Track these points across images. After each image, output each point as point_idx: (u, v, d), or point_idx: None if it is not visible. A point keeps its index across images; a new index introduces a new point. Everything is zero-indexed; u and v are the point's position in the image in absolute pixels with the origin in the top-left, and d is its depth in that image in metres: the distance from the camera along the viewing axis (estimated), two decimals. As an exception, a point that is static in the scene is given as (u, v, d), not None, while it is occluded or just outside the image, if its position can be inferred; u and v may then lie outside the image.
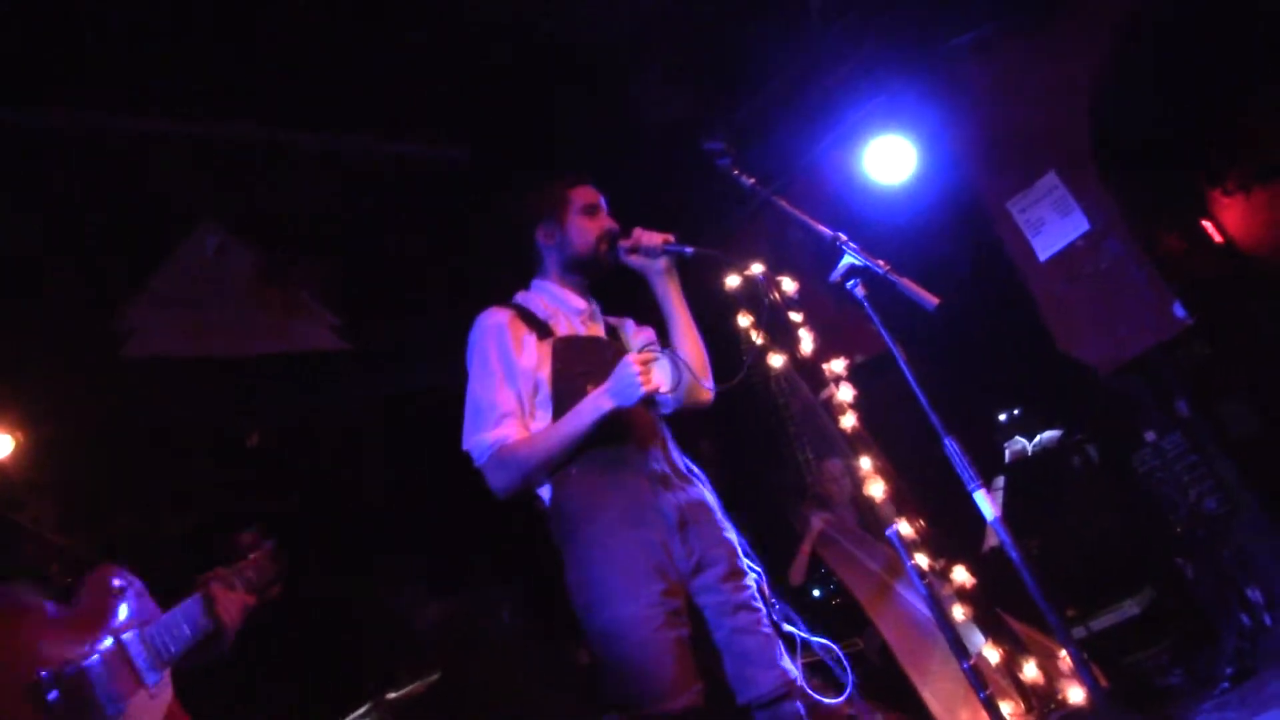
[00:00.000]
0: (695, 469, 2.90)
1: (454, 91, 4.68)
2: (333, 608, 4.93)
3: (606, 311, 3.09)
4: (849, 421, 4.24)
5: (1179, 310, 4.50)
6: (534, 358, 2.74)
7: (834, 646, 2.94)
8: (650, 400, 2.78)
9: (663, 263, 2.92)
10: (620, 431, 2.68)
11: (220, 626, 2.64)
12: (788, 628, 2.81)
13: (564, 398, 2.70)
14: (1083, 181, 4.76)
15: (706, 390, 2.92)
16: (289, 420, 5.00)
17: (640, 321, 3.12)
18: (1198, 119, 5.61)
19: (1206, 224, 6.02)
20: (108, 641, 2.48)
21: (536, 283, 3.01)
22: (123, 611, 2.63)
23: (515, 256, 3.08)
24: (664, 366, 2.69)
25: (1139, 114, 5.14)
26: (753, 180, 3.05)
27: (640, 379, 2.54)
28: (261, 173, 4.42)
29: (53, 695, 2.24)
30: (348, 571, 4.92)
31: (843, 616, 5.00)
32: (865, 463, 4.15)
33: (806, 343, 4.40)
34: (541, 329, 2.81)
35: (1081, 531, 4.98)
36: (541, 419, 2.72)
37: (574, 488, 2.66)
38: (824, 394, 4.38)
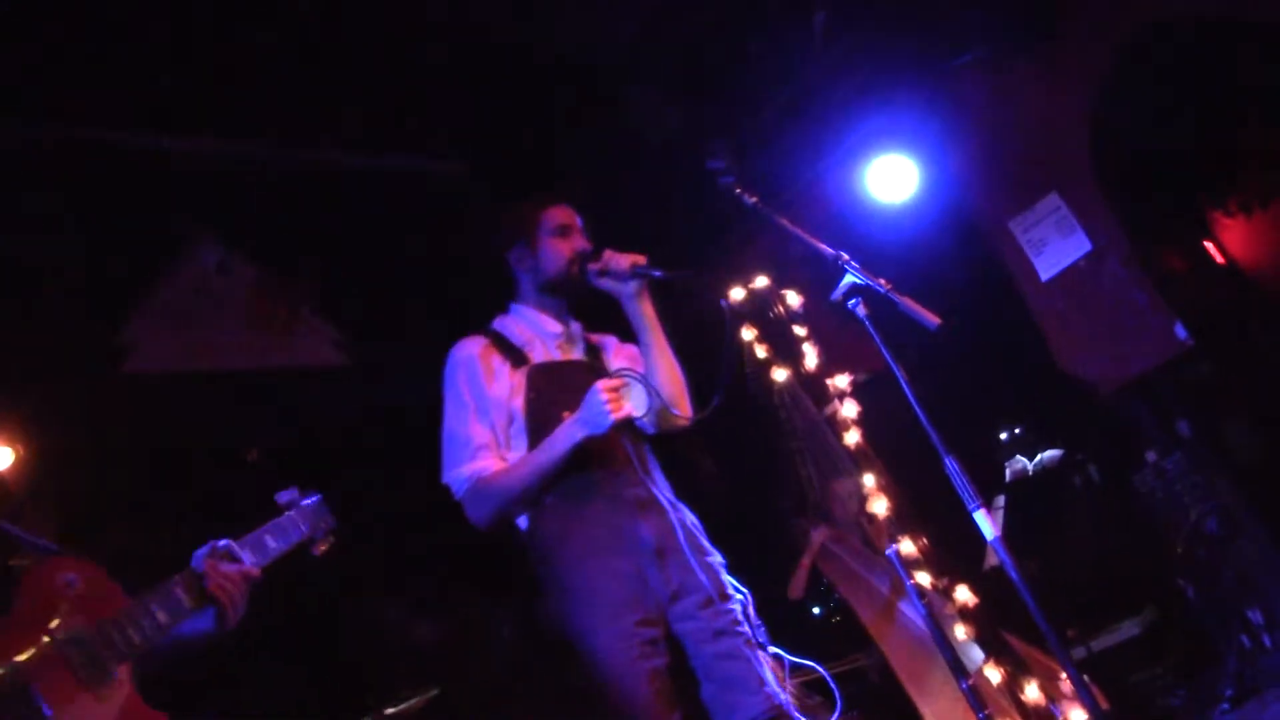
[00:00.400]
0: (675, 499, 2.83)
1: (455, 106, 4.70)
2: (332, 622, 4.92)
3: (590, 329, 3.04)
4: (853, 438, 4.22)
5: (1180, 331, 4.50)
6: (507, 387, 2.71)
7: (818, 668, 2.92)
8: (629, 424, 2.73)
9: (633, 286, 2.80)
10: (597, 459, 2.65)
11: (215, 605, 2.52)
12: (774, 649, 2.78)
13: (539, 427, 2.66)
14: (1085, 202, 4.77)
15: (683, 411, 2.86)
16: (289, 435, 5.00)
17: (624, 338, 3.06)
18: (1199, 140, 5.62)
19: (1208, 245, 6.03)
20: (43, 645, 2.40)
21: (514, 306, 2.96)
22: (64, 611, 2.55)
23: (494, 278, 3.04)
24: (635, 391, 2.67)
25: (1141, 135, 5.16)
26: (755, 199, 3.05)
27: (609, 406, 2.50)
28: (263, 187, 4.43)
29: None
30: (347, 586, 4.91)
31: (843, 634, 4.99)
32: (869, 480, 4.14)
33: (811, 358, 4.39)
34: (516, 356, 2.77)
35: (1082, 551, 4.97)
36: (518, 449, 2.69)
37: (549, 517, 2.64)
38: (828, 410, 4.37)
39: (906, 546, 3.97)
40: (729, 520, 6.10)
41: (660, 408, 2.78)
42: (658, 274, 2.76)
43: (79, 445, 4.32)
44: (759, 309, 4.50)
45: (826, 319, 4.72)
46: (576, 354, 2.92)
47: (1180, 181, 5.88)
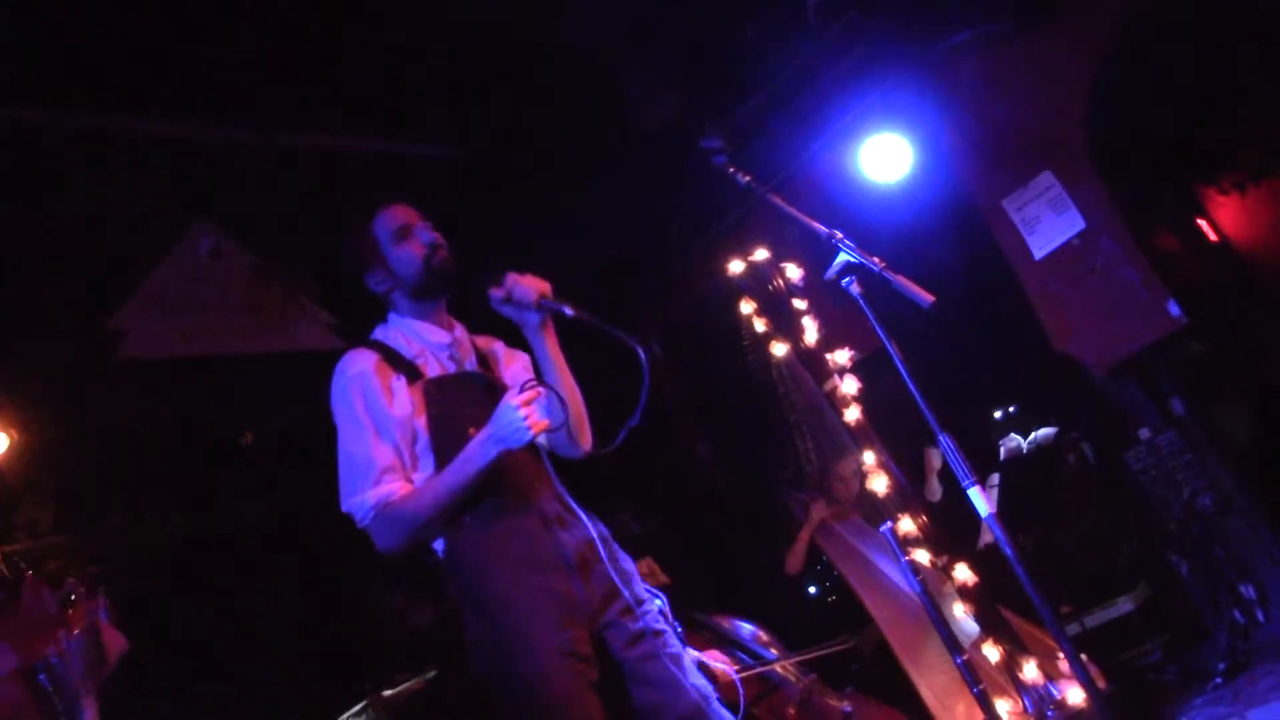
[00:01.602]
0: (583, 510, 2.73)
1: (450, 92, 4.68)
2: (329, 605, 4.94)
3: (472, 330, 2.91)
4: (853, 415, 4.22)
5: (1174, 309, 4.51)
6: (407, 404, 2.55)
7: (727, 669, 2.94)
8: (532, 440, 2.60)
9: (537, 318, 2.67)
10: (509, 475, 2.54)
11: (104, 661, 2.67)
12: (688, 648, 2.77)
13: (445, 443, 2.53)
14: (1078, 180, 4.77)
15: (584, 441, 2.77)
16: (284, 419, 5.00)
17: (509, 343, 2.93)
18: (1193, 118, 5.62)
19: (1202, 223, 6.05)
20: (58, 645, 2.54)
21: (392, 316, 2.78)
22: (60, 620, 2.71)
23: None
24: (548, 402, 2.58)
25: (1135, 113, 5.15)
26: (749, 178, 3.05)
27: (527, 420, 2.38)
28: (257, 172, 4.42)
29: (42, 677, 2.33)
30: (344, 569, 4.93)
31: (839, 611, 5.01)
32: (869, 457, 4.15)
33: (810, 332, 4.39)
34: (410, 371, 2.61)
35: (1076, 529, 5.00)
36: (425, 467, 2.55)
37: (469, 538, 2.52)
38: (827, 385, 4.37)
39: (905, 524, 3.98)
40: (725, 501, 6.15)
41: (561, 431, 2.69)
42: (567, 312, 2.60)
43: (74, 431, 4.32)
44: (759, 281, 4.50)
45: (823, 297, 4.73)
46: (469, 364, 2.77)
47: (1174, 159, 5.89)
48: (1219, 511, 4.47)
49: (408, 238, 2.72)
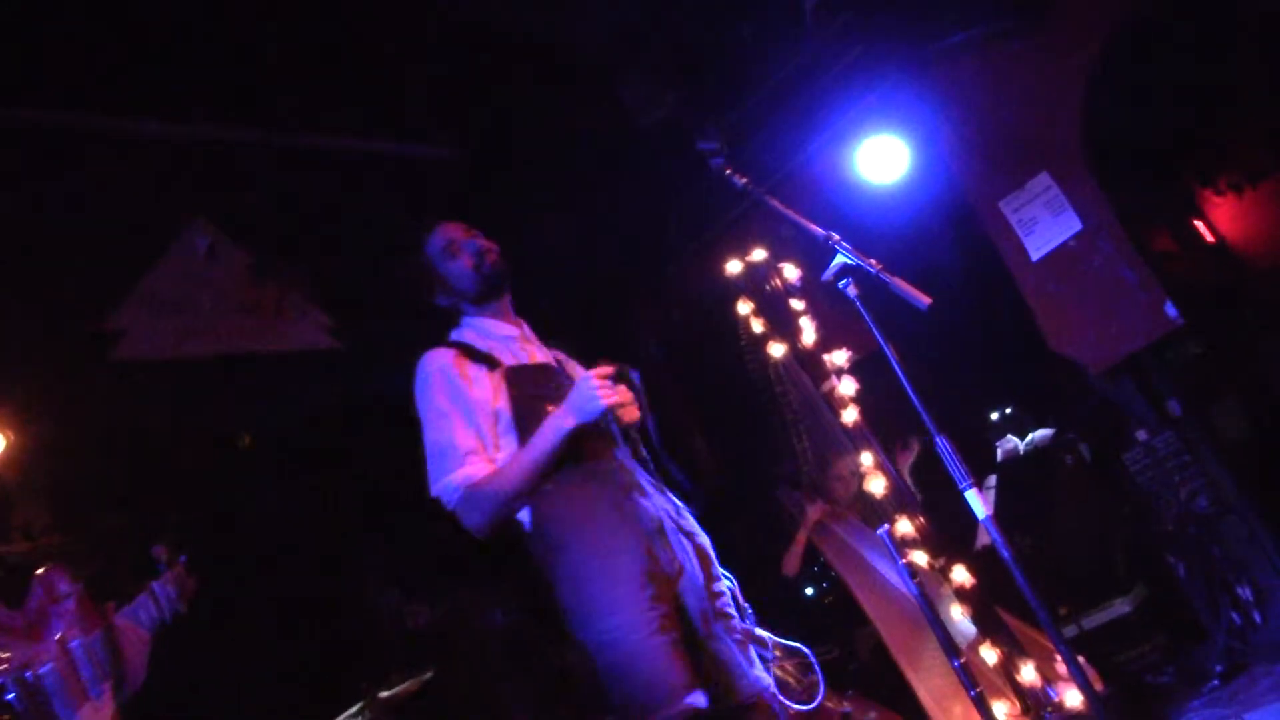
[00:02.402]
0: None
1: (446, 92, 4.68)
2: (326, 606, 4.93)
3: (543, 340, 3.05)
4: (850, 415, 4.22)
5: (1170, 310, 4.51)
6: (487, 389, 2.70)
7: (806, 651, 2.92)
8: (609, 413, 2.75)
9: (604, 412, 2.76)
10: (587, 446, 2.66)
11: (122, 664, 2.65)
12: (760, 632, 2.79)
13: (526, 422, 2.66)
14: (1075, 181, 4.77)
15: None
16: (281, 420, 5.00)
17: (569, 353, 3.07)
18: (1190, 120, 5.63)
19: (1198, 224, 6.05)
20: (57, 649, 2.50)
21: (465, 320, 2.95)
22: (68, 618, 2.65)
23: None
24: (624, 384, 2.72)
25: (1132, 115, 5.16)
26: (745, 180, 3.05)
27: (599, 391, 2.55)
28: (252, 172, 4.42)
29: (10, 696, 2.28)
30: (341, 570, 4.92)
31: (836, 612, 5.00)
32: (866, 458, 4.14)
33: (808, 332, 4.38)
34: (489, 361, 2.77)
35: (1073, 530, 4.99)
36: (507, 447, 2.68)
37: (553, 506, 2.63)
38: (825, 386, 4.36)
39: (903, 526, 3.98)
40: (722, 500, 6.14)
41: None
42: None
43: (70, 432, 4.31)
44: (756, 282, 4.49)
45: (820, 298, 4.73)
46: (541, 356, 2.91)
47: (1170, 161, 5.89)
48: (1216, 512, 4.47)
49: (456, 253, 2.90)
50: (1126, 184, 4.93)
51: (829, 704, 4.12)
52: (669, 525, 2.67)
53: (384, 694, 3.85)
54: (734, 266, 4.55)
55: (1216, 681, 4.14)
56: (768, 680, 2.64)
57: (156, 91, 3.96)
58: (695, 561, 2.67)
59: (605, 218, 5.47)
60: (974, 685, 3.49)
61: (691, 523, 2.79)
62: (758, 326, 4.52)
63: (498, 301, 2.93)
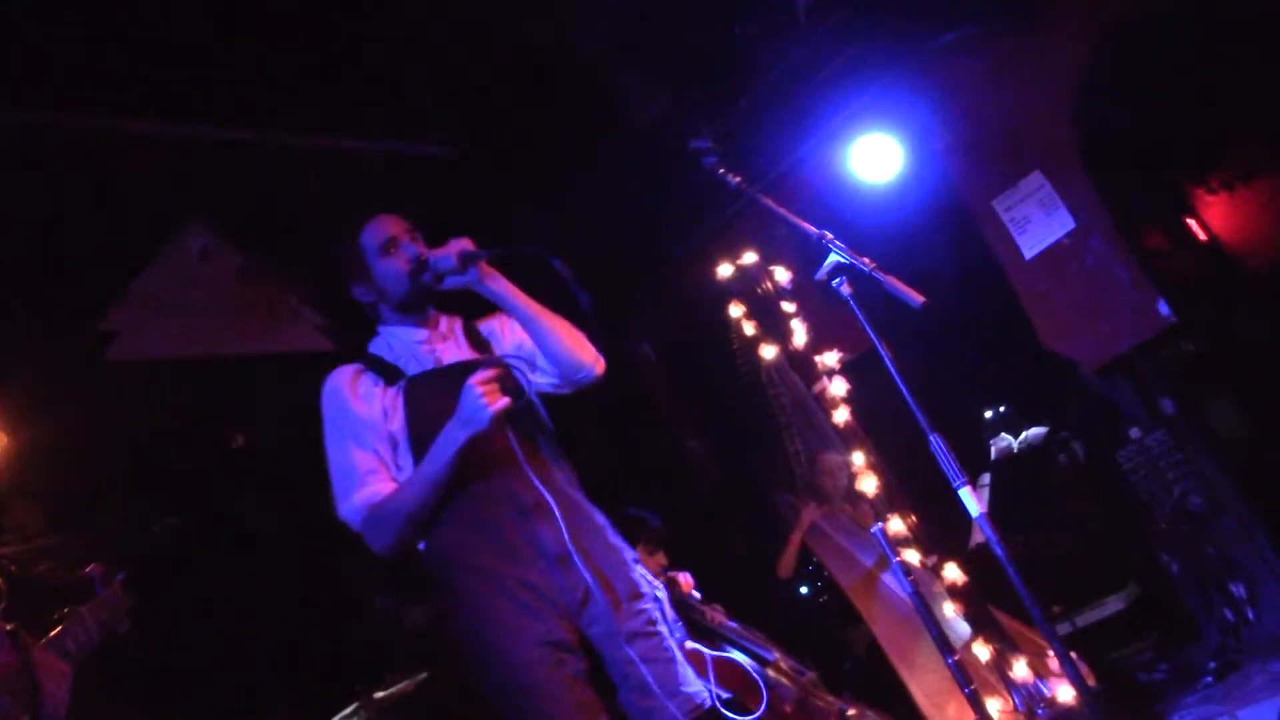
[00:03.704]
0: (579, 494, 2.70)
1: (441, 91, 4.68)
2: (320, 607, 4.93)
3: (476, 316, 2.90)
4: (841, 416, 4.23)
5: (1163, 308, 4.52)
6: (380, 410, 2.58)
7: (741, 662, 2.90)
8: (518, 419, 2.62)
9: (474, 273, 2.63)
10: (484, 465, 2.52)
11: (40, 699, 2.63)
12: (691, 645, 2.72)
13: (424, 443, 2.52)
14: (1068, 180, 4.78)
15: (591, 360, 2.74)
16: (275, 421, 4.99)
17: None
18: (1182, 118, 5.64)
19: (1190, 222, 6.06)
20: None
21: (381, 329, 2.81)
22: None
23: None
24: (510, 374, 2.62)
25: (1124, 113, 5.17)
26: (739, 179, 3.04)
27: (485, 400, 2.38)
28: (247, 173, 4.41)
29: None
30: (335, 570, 4.92)
31: (831, 612, 5.01)
32: (858, 458, 4.15)
33: (799, 334, 4.40)
34: (391, 374, 2.64)
35: (1067, 528, 5.01)
36: (405, 468, 2.57)
37: (443, 537, 2.53)
38: (816, 387, 4.38)
39: (895, 525, 3.99)
40: (717, 500, 6.15)
41: (565, 364, 2.70)
42: (483, 254, 2.62)
43: (65, 433, 4.30)
44: (748, 285, 4.51)
45: (813, 298, 4.74)
46: (452, 354, 2.76)
47: (1163, 159, 5.90)
48: (1209, 510, 4.48)
49: (393, 252, 2.71)
50: (1119, 182, 4.94)
51: (824, 701, 4.13)
52: (575, 547, 2.49)
53: (379, 695, 3.85)
54: (725, 270, 4.57)
55: (1210, 679, 4.16)
56: (705, 694, 2.51)
57: (153, 91, 3.95)
58: (612, 580, 2.53)
59: (599, 218, 5.47)
60: (968, 683, 3.50)
61: (606, 539, 2.62)
62: (749, 329, 4.54)
63: (417, 312, 2.78)
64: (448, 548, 2.53)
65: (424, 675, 4.04)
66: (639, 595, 2.56)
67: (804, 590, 5.28)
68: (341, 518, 2.55)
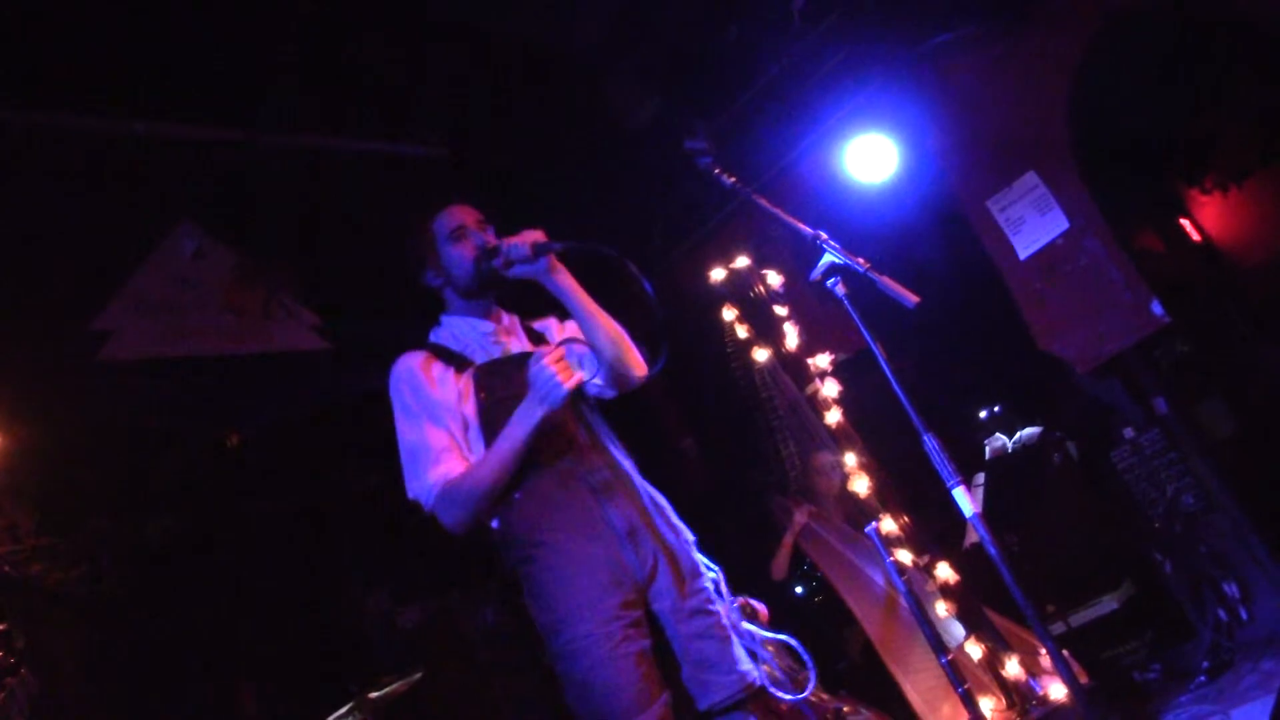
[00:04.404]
0: (640, 476, 2.81)
1: (433, 91, 4.67)
2: (315, 606, 4.93)
3: (529, 317, 3.01)
4: (834, 417, 4.24)
5: (1157, 308, 4.53)
6: (455, 393, 2.68)
7: (793, 641, 2.91)
8: (582, 402, 2.76)
9: (543, 264, 2.72)
10: (557, 446, 2.64)
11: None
12: (745, 625, 2.78)
13: (495, 426, 2.61)
14: (1062, 180, 4.78)
15: (636, 365, 2.83)
16: (269, 420, 4.98)
17: (563, 317, 2.99)
18: (1176, 119, 5.65)
19: (1184, 223, 6.07)
20: None
21: (444, 318, 2.91)
22: None
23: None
24: (582, 358, 2.72)
25: (1118, 114, 5.18)
26: (734, 179, 3.05)
27: (559, 376, 2.49)
28: (240, 172, 4.41)
29: None
30: (330, 570, 4.91)
31: (825, 613, 5.01)
32: (850, 459, 4.16)
33: (791, 337, 4.40)
34: (459, 362, 2.74)
35: (1060, 528, 5.01)
36: (479, 451, 2.66)
37: (520, 512, 2.61)
38: (809, 389, 4.39)
39: (888, 524, 4.00)
40: (710, 500, 6.15)
41: (615, 361, 2.77)
42: (557, 246, 2.70)
43: (57, 433, 4.29)
44: (740, 288, 4.52)
45: (807, 299, 4.75)
46: (517, 346, 2.87)
47: (1157, 160, 5.91)
48: (1202, 510, 4.49)
49: (463, 239, 2.82)
50: (1113, 183, 4.95)
51: (820, 699, 4.13)
52: (642, 524, 2.64)
53: (374, 694, 3.84)
54: (718, 274, 4.57)
55: (1203, 678, 4.16)
56: (756, 674, 2.63)
57: (146, 91, 3.95)
58: (674, 557, 2.66)
59: (592, 218, 5.46)
60: (962, 682, 3.51)
61: (668, 518, 2.76)
62: (742, 332, 4.55)
63: (483, 301, 2.88)
64: (522, 524, 2.60)
65: (418, 675, 4.04)
66: (698, 574, 2.69)
67: (798, 591, 5.28)
68: (413, 496, 2.63)
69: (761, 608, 4.42)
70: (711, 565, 2.78)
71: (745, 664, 2.62)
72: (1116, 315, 4.64)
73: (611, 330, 2.81)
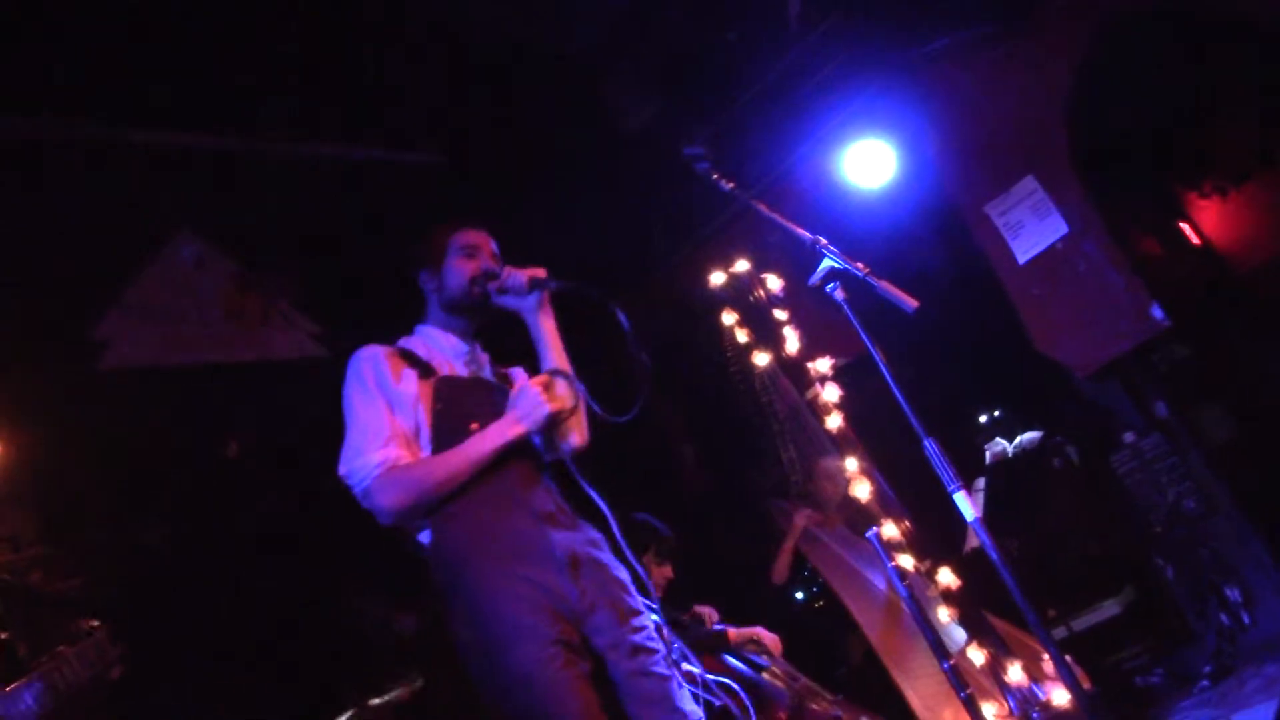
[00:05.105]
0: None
1: (431, 98, 4.67)
2: (315, 614, 4.91)
3: (497, 361, 2.98)
4: (834, 422, 4.23)
5: (1157, 312, 4.53)
6: (414, 390, 2.62)
7: (734, 685, 2.91)
8: (531, 443, 2.70)
9: (533, 300, 2.77)
10: (504, 472, 2.58)
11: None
12: (686, 666, 2.75)
13: (446, 439, 2.58)
14: (1061, 185, 4.78)
15: (578, 433, 2.81)
16: (268, 429, 4.97)
17: (531, 369, 2.96)
18: (1174, 123, 5.65)
19: (1184, 227, 6.07)
20: None
21: (419, 328, 2.90)
22: None
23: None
24: (563, 387, 2.70)
25: (1117, 118, 5.18)
26: (732, 184, 3.04)
27: (542, 397, 2.53)
28: (239, 181, 4.41)
29: None
30: (330, 578, 4.90)
31: (826, 618, 5.01)
32: (851, 463, 4.15)
33: (792, 342, 4.40)
34: (423, 368, 2.69)
35: (1062, 532, 5.01)
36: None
37: (455, 528, 2.53)
38: (809, 394, 4.38)
39: (889, 529, 3.99)
40: (710, 504, 6.14)
41: (565, 420, 2.73)
42: (554, 285, 2.74)
43: (57, 442, 4.28)
44: (740, 293, 4.51)
45: (807, 303, 4.74)
46: (484, 375, 2.86)
47: (1155, 164, 5.91)
48: (1204, 514, 4.48)
49: (471, 257, 2.84)
50: (1112, 187, 4.96)
51: (820, 706, 4.12)
52: (583, 558, 2.58)
53: (374, 702, 3.84)
54: (718, 278, 4.56)
55: (1205, 682, 4.16)
56: (699, 714, 2.57)
57: (144, 100, 3.95)
58: (614, 594, 2.58)
59: (590, 223, 5.47)
60: (964, 687, 3.50)
61: (609, 557, 2.68)
62: (742, 337, 4.54)
63: (464, 321, 2.87)
64: (458, 542, 2.53)
65: (419, 683, 4.03)
66: (639, 612, 2.62)
67: (799, 596, 5.27)
68: (344, 472, 2.57)
69: (710, 611, 4.42)
70: (652, 606, 2.73)
71: (688, 704, 2.55)
72: (1116, 319, 4.64)
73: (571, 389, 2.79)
